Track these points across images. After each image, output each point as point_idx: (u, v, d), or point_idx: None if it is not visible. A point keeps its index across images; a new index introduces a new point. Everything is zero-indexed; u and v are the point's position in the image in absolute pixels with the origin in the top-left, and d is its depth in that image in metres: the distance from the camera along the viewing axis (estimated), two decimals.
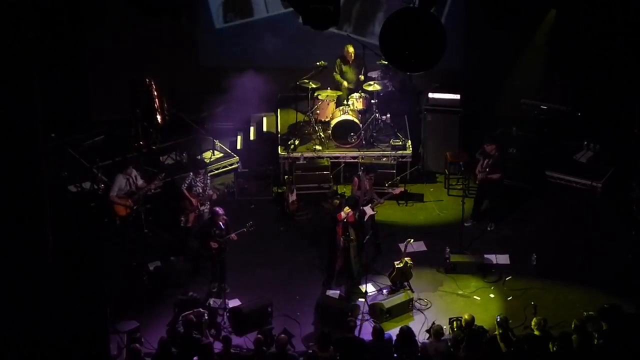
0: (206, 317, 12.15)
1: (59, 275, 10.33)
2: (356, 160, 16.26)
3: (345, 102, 16.45)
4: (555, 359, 11.26)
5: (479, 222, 15.20)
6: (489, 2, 16.92)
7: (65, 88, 16.12)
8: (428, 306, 13.45)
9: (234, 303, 13.22)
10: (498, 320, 11.66)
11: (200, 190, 14.23)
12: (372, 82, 16.37)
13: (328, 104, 16.46)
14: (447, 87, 16.70)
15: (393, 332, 12.05)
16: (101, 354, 11.44)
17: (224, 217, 13.40)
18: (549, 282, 13.87)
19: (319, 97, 16.41)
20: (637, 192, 14.92)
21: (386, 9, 16.71)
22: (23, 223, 9.64)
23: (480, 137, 15.49)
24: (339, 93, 16.66)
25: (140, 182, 14.29)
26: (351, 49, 16.54)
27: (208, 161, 16.06)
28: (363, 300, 13.44)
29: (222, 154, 16.51)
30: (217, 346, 11.94)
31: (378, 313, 13.07)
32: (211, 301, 13.27)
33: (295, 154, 16.26)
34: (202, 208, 14.26)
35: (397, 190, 14.88)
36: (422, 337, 12.38)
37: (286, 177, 15.98)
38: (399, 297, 13.33)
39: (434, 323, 12.20)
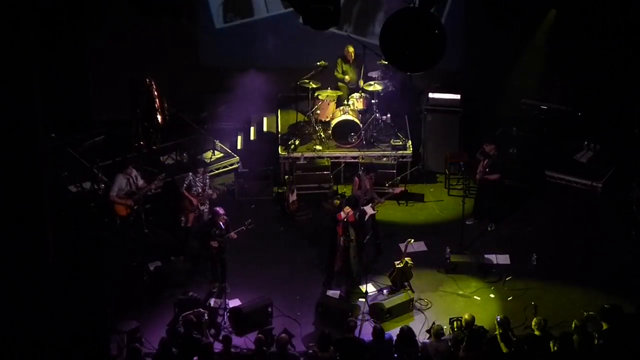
0: (206, 317, 12.15)
1: (59, 275, 10.34)
2: (356, 160, 16.26)
3: (345, 102, 16.46)
4: (555, 359, 11.27)
5: (481, 221, 15.19)
6: (489, 2, 16.93)
7: (65, 88, 16.11)
8: (428, 306, 13.45)
9: (234, 303, 13.22)
10: (498, 320, 11.66)
11: (200, 190, 14.24)
12: (372, 82, 16.38)
13: (328, 104, 16.46)
14: (447, 87, 16.70)
15: (393, 332, 12.04)
16: (101, 354, 11.46)
17: (225, 217, 13.40)
18: (549, 282, 13.87)
19: (319, 97, 16.42)
20: (638, 192, 14.92)
21: (386, 9, 16.70)
22: (23, 223, 9.65)
23: (481, 137, 15.50)
24: (339, 93, 16.66)
25: (140, 182, 14.30)
26: (351, 49, 16.55)
27: (208, 161, 16.07)
28: (363, 300, 13.44)
29: (222, 154, 16.52)
30: (217, 346, 11.95)
31: (378, 313, 13.07)
32: (211, 301, 13.27)
33: (295, 154, 16.26)
34: (201, 208, 14.27)
35: (398, 190, 14.89)
36: (422, 337, 12.37)
37: (286, 177, 15.98)
38: (400, 297, 13.33)
39: (434, 323, 12.20)
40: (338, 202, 14.91)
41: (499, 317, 11.73)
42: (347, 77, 16.65)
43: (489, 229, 15.16)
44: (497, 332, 11.58)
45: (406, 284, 13.60)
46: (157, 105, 15.65)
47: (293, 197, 15.50)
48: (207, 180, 14.39)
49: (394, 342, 11.67)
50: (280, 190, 16.07)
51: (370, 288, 13.68)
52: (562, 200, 15.89)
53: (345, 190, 16.05)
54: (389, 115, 16.83)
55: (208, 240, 13.32)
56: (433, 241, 14.76)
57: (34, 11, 9.45)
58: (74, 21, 16.55)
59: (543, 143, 16.62)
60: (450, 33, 10.56)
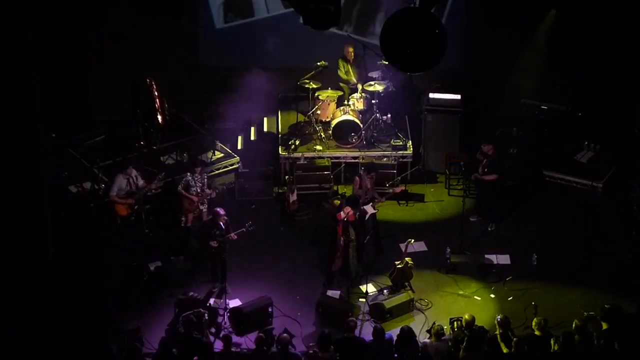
0: (206, 317, 12.14)
1: (59, 275, 10.34)
2: (357, 160, 16.26)
3: (345, 102, 16.45)
4: (555, 359, 11.26)
5: (482, 220, 15.19)
6: (489, 2, 16.89)
7: (66, 88, 16.11)
8: (429, 306, 13.45)
9: (234, 303, 13.22)
10: (498, 320, 11.65)
11: (199, 190, 14.23)
12: (373, 83, 16.38)
13: (329, 104, 16.46)
14: (447, 87, 16.70)
15: (394, 332, 12.04)
16: (101, 354, 11.47)
17: (225, 217, 13.40)
18: (550, 282, 13.86)
19: (320, 97, 16.42)
20: (638, 192, 14.92)
21: (387, 9, 16.69)
22: (23, 223, 9.64)
23: (481, 138, 15.48)
24: (340, 93, 16.66)
25: (140, 182, 14.30)
26: (351, 49, 16.55)
27: (208, 161, 16.06)
28: (363, 300, 13.44)
29: (222, 154, 16.51)
30: (218, 346, 11.94)
31: (379, 313, 13.07)
32: (211, 301, 13.27)
33: (295, 154, 16.26)
34: (201, 207, 14.27)
35: (398, 190, 14.88)
36: (422, 337, 12.37)
37: (287, 177, 15.97)
38: (400, 297, 13.33)
39: (434, 323, 12.18)
40: (338, 202, 14.92)
41: (499, 317, 11.72)
42: (353, 79, 16.63)
43: (489, 229, 15.16)
44: (497, 332, 11.58)
45: (406, 284, 13.60)
46: (157, 105, 15.65)
47: (293, 197, 15.50)
48: (205, 180, 14.38)
49: (394, 342, 11.66)
50: (280, 191, 16.07)
51: (370, 288, 13.68)
52: (562, 200, 15.89)
53: (346, 190, 16.05)
54: (389, 116, 16.83)
55: (208, 240, 13.32)
56: (433, 241, 14.76)
57: (34, 11, 9.45)
58: (74, 21, 16.54)
59: (543, 143, 16.62)
60: (450, 33, 10.55)
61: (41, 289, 9.88)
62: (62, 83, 15.88)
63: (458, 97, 16.62)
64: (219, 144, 16.64)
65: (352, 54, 16.57)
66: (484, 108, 17.23)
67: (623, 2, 15.99)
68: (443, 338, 11.71)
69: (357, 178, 14.48)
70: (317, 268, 14.17)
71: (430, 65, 10.32)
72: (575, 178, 16.13)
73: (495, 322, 11.71)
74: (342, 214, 13.35)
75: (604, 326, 11.42)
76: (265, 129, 17.40)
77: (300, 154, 16.28)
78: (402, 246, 13.81)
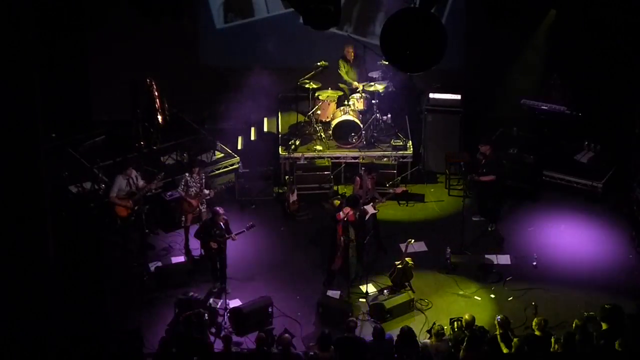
0: (206, 317, 12.14)
1: (59, 275, 10.34)
2: (357, 160, 16.26)
3: (346, 102, 16.45)
4: (556, 359, 11.26)
5: (484, 219, 15.19)
6: (489, 2, 16.87)
7: (66, 88, 16.11)
8: (429, 306, 13.45)
9: (234, 303, 13.22)
10: (498, 320, 11.65)
11: (198, 190, 14.22)
12: (373, 83, 16.38)
13: (329, 104, 16.46)
14: (447, 88, 16.69)
15: (394, 332, 12.03)
16: (101, 354, 11.46)
17: (224, 217, 13.40)
18: (550, 282, 13.86)
19: (320, 97, 16.42)
20: (638, 192, 14.91)
21: (387, 9, 16.69)
22: (23, 223, 9.64)
23: (481, 138, 15.47)
24: (340, 93, 16.66)
25: (141, 182, 14.29)
26: (351, 49, 16.55)
27: (208, 161, 16.06)
28: (364, 300, 13.44)
29: (222, 154, 16.50)
30: (218, 346, 11.94)
31: (379, 313, 13.07)
32: (212, 301, 13.27)
33: (296, 154, 16.26)
34: (200, 207, 14.27)
35: (399, 190, 14.88)
36: (422, 337, 12.36)
37: (287, 177, 15.97)
38: (400, 297, 13.33)
39: (434, 323, 12.18)
40: (338, 202, 14.91)
41: (499, 317, 11.72)
42: (355, 83, 16.62)
43: (489, 229, 15.15)
44: (497, 333, 11.58)
45: (407, 284, 13.60)
46: (157, 105, 15.65)
47: (293, 197, 15.50)
48: (204, 180, 14.37)
49: (394, 342, 11.66)
50: (280, 191, 16.07)
51: (370, 288, 13.68)
52: (562, 200, 15.88)
53: (346, 190, 16.05)
54: (389, 116, 16.84)
55: (208, 240, 13.32)
56: (433, 241, 14.75)
57: (34, 11, 9.45)
58: (74, 21, 16.55)
59: (543, 143, 16.61)
60: (450, 33, 10.55)
61: (41, 289, 9.87)
62: (62, 83, 15.89)
63: (458, 97, 16.62)
64: (219, 144, 16.63)
65: (352, 54, 16.57)
66: (484, 108, 17.24)
67: (623, 2, 15.99)
68: (443, 338, 11.71)
69: (357, 178, 14.49)
70: (317, 268, 14.16)
71: (430, 65, 10.32)
72: (575, 178, 16.11)
73: (495, 322, 11.71)
74: (342, 214, 13.35)
75: (604, 326, 11.42)
76: (265, 129, 17.40)
77: (300, 154, 16.28)
78: (402, 246, 13.82)
